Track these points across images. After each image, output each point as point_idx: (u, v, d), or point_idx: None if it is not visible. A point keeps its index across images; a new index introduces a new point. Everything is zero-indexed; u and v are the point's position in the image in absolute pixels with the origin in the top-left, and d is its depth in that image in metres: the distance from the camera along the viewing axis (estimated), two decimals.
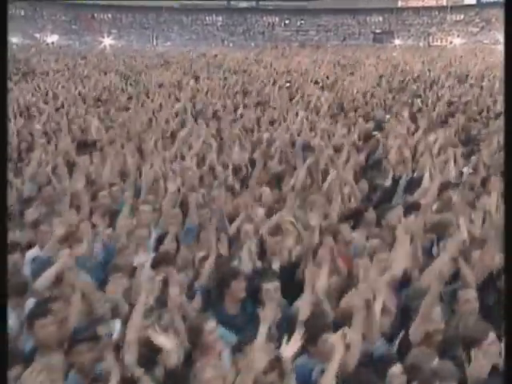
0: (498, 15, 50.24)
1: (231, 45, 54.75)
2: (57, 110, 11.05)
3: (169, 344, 3.12)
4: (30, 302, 3.67)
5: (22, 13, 62.65)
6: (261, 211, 5.30)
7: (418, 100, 11.97)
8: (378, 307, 3.49)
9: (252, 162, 7.15)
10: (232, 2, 61.29)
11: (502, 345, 3.06)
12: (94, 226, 4.77)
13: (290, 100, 12.49)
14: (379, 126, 9.30)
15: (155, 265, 4.04)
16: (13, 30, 56.09)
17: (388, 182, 6.24)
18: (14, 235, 4.69)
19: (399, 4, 62.38)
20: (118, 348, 3.16)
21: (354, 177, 6.61)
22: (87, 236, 4.38)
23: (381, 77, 17.04)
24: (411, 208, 5.07)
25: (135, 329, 3.17)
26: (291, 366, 3.09)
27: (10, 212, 5.04)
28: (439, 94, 12.87)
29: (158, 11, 60.88)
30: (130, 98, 12.42)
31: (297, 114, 9.54)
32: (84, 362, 3.10)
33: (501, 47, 27.18)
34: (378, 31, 59.37)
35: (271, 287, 3.81)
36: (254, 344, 3.05)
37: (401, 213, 4.92)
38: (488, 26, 55.73)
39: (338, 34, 58.30)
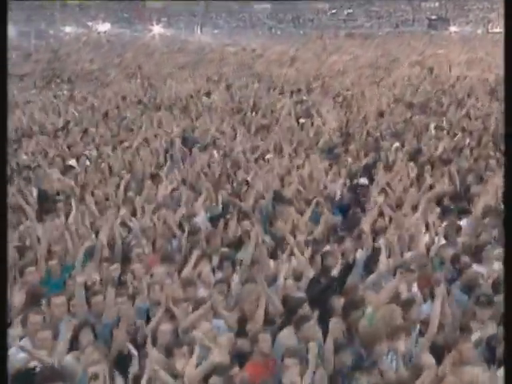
0: None
1: (279, 32, 53.86)
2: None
3: None
4: None
5: (77, 2, 63.72)
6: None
7: (432, 126, 11.15)
8: None
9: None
10: None
11: None
12: None
13: (297, 120, 12.07)
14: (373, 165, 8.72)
15: None
16: (66, 19, 57.42)
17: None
18: None
19: None
20: None
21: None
22: None
23: (408, 85, 16.21)
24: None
25: None
26: None
27: None
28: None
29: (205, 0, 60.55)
30: (131, 130, 11.37)
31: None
32: None
33: None
34: (433, 17, 56.78)
35: None
36: None
37: None
38: None
39: (390, 20, 56.14)
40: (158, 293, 4.77)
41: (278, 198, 7.05)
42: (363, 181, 7.80)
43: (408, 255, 5.83)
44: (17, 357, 3.92)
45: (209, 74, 20.22)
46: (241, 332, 4.52)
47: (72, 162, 9.02)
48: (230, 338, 4.45)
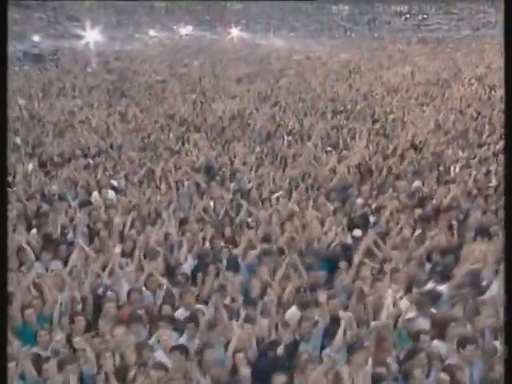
0: None
1: (353, 35, 52.85)
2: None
3: None
4: None
5: (164, 5, 65.53)
6: None
7: (458, 165, 10.56)
8: None
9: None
10: None
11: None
12: None
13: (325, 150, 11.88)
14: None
15: None
16: (152, 23, 59.16)
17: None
18: None
19: None
20: None
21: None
22: None
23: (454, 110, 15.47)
24: None
25: None
26: None
27: None
28: None
29: (286, 2, 60.34)
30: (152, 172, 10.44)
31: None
32: None
33: None
34: None
35: None
36: None
37: None
38: None
39: (471, 23, 53.47)
40: (109, 359, 4.91)
41: (266, 251, 7.00)
42: (356, 233, 7.55)
43: (373, 325, 5.66)
44: None
45: (263, 89, 20.20)
46: None
47: (94, 194, 9.32)
48: None
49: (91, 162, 11.28)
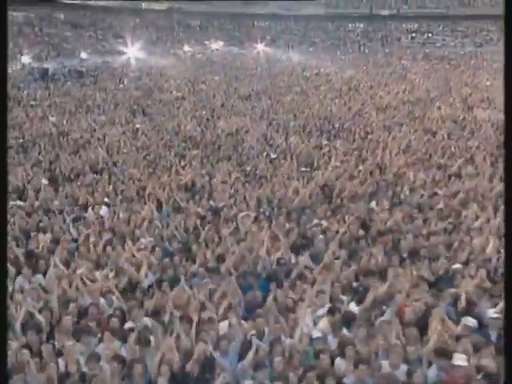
0: None
1: (367, 50, 52.18)
2: None
3: None
4: None
5: (199, 23, 65.98)
6: None
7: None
8: None
9: None
10: (374, 10, 58.06)
11: None
12: None
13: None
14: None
15: None
16: (187, 39, 59.63)
17: None
18: None
19: None
20: None
21: None
22: None
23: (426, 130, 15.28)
24: None
25: None
26: None
27: None
28: None
29: (307, 19, 60.07)
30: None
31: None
32: None
33: None
34: None
35: None
36: None
37: None
38: None
39: (475, 40, 52.27)
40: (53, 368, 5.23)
41: (212, 269, 7.21)
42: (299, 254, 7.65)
43: (287, 343, 5.82)
44: None
45: (265, 107, 20.25)
46: None
47: (89, 210, 9.55)
48: None
49: (95, 178, 11.47)
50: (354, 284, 7.10)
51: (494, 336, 5.85)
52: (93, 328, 6.04)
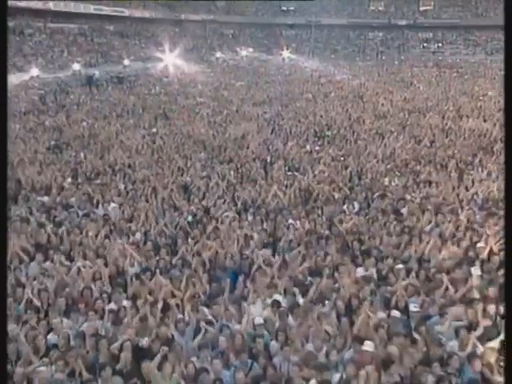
0: None
1: (384, 57, 51.51)
2: None
3: None
4: None
5: (232, 31, 66.34)
6: None
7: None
8: None
9: None
10: (393, 20, 57.13)
11: None
12: None
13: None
14: None
15: None
16: (220, 46, 60.05)
17: None
18: None
19: None
20: None
21: None
22: None
23: (414, 138, 15.26)
24: None
25: None
26: None
27: None
28: None
29: (330, 28, 59.67)
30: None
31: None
32: None
33: None
34: None
35: None
36: None
37: None
38: None
39: (486, 48, 50.80)
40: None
41: (187, 262, 7.69)
42: (263, 252, 8.02)
43: (235, 328, 6.28)
44: None
45: (274, 113, 20.41)
46: None
47: (99, 208, 10.01)
48: None
49: (112, 178, 11.91)
50: (309, 278, 7.45)
51: (413, 326, 6.16)
52: (81, 308, 6.65)
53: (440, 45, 53.27)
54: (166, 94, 26.14)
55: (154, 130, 17.17)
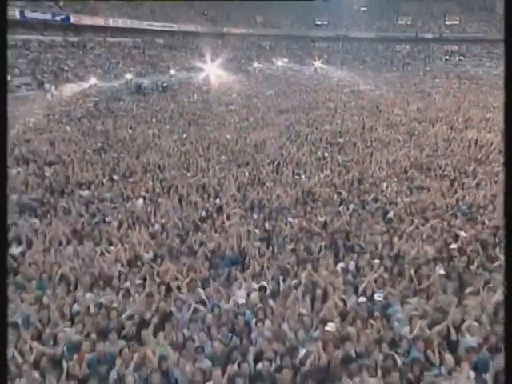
0: None
1: (409, 69, 50.58)
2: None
3: None
4: None
5: (269, 43, 66.75)
6: None
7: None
8: None
9: None
10: (420, 34, 55.92)
11: None
12: None
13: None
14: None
15: None
16: (258, 57, 60.58)
17: None
18: None
19: None
20: None
21: None
22: None
23: (418, 147, 15.28)
24: None
25: None
26: None
27: None
28: None
29: (360, 41, 59.07)
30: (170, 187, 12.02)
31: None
32: None
33: None
34: None
35: None
36: None
37: None
38: None
39: None
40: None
41: (193, 251, 8.33)
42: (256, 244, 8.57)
43: (225, 307, 6.87)
44: None
45: (294, 121, 20.41)
46: None
47: (129, 203, 10.78)
48: None
49: (143, 177, 12.56)
50: (295, 268, 7.91)
51: (377, 312, 6.53)
52: (101, 285, 7.43)
53: (462, 58, 51.73)
54: (203, 102, 26.66)
55: (185, 135, 17.75)
